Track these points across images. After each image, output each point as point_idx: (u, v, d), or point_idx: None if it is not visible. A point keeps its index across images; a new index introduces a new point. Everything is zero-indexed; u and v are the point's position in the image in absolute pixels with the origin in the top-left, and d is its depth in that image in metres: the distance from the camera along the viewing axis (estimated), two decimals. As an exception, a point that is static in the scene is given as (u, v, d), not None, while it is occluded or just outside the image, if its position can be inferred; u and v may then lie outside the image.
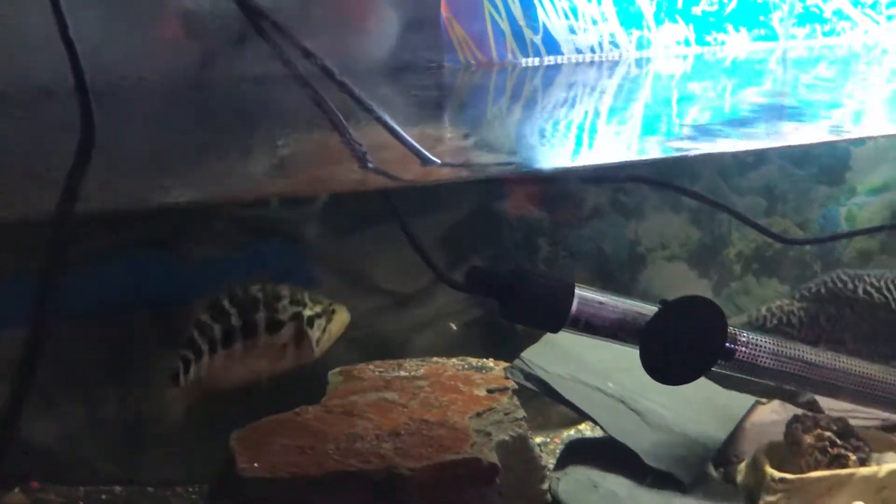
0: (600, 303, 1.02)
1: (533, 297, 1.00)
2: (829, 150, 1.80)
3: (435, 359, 1.59)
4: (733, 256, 1.85)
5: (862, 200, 1.81)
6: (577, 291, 1.01)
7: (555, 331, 1.03)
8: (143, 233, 1.41)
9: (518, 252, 1.73)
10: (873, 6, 1.87)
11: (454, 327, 1.73)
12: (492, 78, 1.71)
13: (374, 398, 1.37)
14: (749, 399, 1.65)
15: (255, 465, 1.15)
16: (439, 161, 0.97)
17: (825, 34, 1.86)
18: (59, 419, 1.48)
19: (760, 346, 1.07)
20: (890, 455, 1.47)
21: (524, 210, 1.72)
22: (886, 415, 1.55)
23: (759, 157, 1.78)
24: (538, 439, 1.75)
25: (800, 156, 1.79)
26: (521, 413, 1.37)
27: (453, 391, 1.41)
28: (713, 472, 1.51)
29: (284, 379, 1.55)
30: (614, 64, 1.78)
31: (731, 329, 1.05)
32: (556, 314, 1.00)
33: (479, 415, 1.33)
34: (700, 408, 1.54)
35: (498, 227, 1.71)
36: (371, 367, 1.53)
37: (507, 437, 1.31)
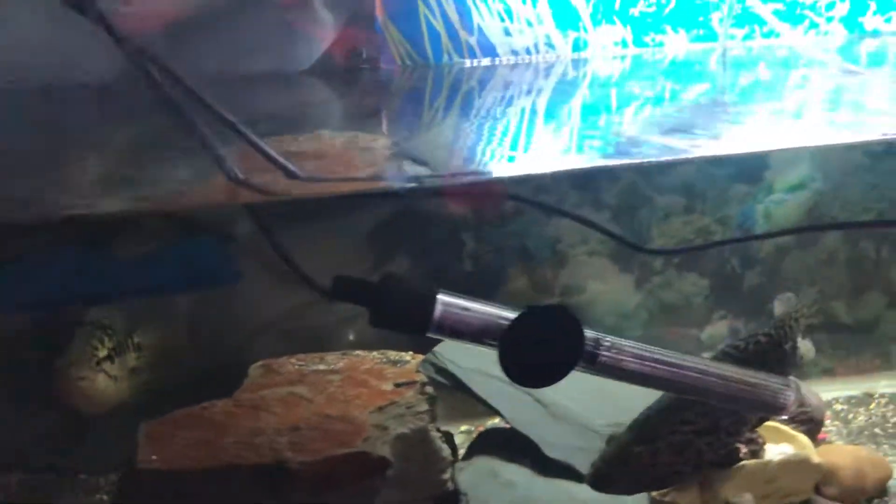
0: (465, 308, 1.07)
1: (397, 303, 1.05)
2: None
3: (357, 352, 1.65)
4: (655, 251, 1.88)
5: (779, 198, 1.85)
6: (441, 297, 1.06)
7: (422, 335, 1.08)
8: (61, 234, 1.47)
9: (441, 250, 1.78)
10: (812, 7, 1.88)
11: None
12: (428, 81, 1.75)
13: (283, 393, 1.44)
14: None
15: (154, 457, 1.22)
16: (302, 175, 1.02)
17: (764, 35, 1.88)
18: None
19: (624, 350, 1.12)
20: (784, 447, 1.53)
21: (446, 209, 1.78)
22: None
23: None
24: (463, 427, 1.82)
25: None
26: (425, 406, 1.43)
27: (362, 385, 1.48)
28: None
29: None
30: (550, 66, 1.82)
31: (594, 334, 1.10)
32: (419, 320, 1.05)
33: (380, 409, 1.39)
34: (605, 399, 1.60)
35: (421, 228, 1.77)
36: (293, 360, 1.59)
37: (406, 430, 1.37)
